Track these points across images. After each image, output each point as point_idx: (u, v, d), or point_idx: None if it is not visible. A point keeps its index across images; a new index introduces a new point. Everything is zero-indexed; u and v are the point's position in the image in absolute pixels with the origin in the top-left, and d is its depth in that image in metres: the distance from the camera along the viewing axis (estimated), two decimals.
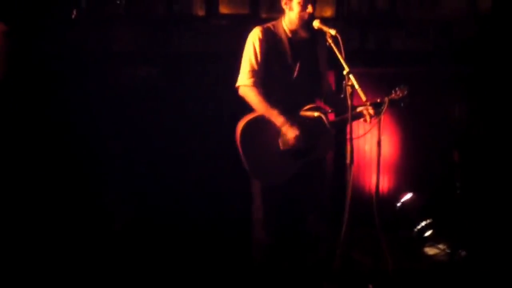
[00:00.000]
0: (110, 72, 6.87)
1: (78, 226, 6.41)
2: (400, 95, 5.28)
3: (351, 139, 4.80)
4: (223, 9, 7.53)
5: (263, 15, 7.32)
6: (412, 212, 6.89)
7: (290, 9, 5.15)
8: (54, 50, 6.65)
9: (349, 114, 4.82)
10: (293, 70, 5.21)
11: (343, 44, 4.88)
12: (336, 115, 5.33)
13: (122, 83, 6.86)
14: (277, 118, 5.08)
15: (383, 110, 5.09)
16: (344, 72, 4.79)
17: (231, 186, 6.54)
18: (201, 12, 7.48)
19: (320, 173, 5.37)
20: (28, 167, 6.34)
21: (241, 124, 5.14)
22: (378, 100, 5.18)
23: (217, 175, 6.78)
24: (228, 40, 6.94)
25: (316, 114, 5.15)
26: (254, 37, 5.20)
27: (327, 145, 5.29)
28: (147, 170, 6.75)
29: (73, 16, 6.97)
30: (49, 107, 6.51)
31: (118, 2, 7.23)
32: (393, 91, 5.30)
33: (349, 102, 4.80)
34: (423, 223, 6.73)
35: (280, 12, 5.31)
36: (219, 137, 6.45)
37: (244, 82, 5.16)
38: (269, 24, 5.29)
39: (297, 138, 5.06)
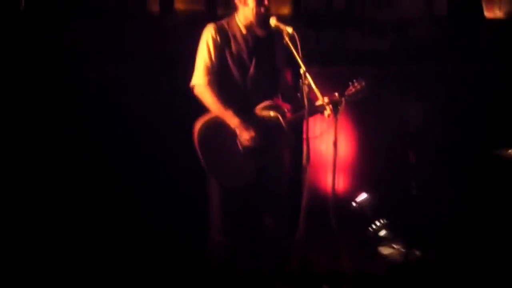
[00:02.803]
0: (61, 69, 6.76)
1: None
2: (358, 87, 5.20)
3: (308, 139, 4.75)
4: (179, 5, 7.46)
5: (220, 12, 7.27)
6: (368, 212, 6.88)
7: (245, 4, 5.06)
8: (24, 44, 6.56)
9: (305, 114, 4.77)
10: (249, 67, 5.13)
11: (300, 42, 4.82)
12: (293, 113, 5.26)
13: (75, 81, 6.74)
14: (231, 119, 5.02)
15: (340, 110, 5.02)
16: (301, 71, 4.74)
17: (185, 186, 6.44)
18: (155, 8, 7.40)
19: (278, 172, 5.30)
20: None
21: (198, 125, 5.06)
22: (336, 95, 5.10)
23: (171, 177, 6.69)
24: (183, 37, 6.83)
25: (272, 113, 5.09)
26: (207, 34, 5.10)
27: (285, 144, 5.22)
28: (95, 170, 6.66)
29: (21, 8, 6.87)
30: None
31: None
32: (350, 85, 5.22)
33: (305, 101, 4.74)
34: (378, 223, 6.72)
35: (234, 6, 5.20)
36: (174, 137, 6.38)
37: (199, 81, 5.08)
38: (223, 21, 5.19)
39: (252, 139, 5.00)
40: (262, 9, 5.02)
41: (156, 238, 6.43)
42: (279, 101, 5.28)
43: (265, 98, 5.16)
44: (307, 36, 7.17)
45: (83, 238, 6.39)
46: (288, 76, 5.46)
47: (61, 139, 6.70)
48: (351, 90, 5.21)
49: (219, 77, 5.11)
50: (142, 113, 6.77)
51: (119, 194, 6.66)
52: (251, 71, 5.13)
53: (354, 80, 5.24)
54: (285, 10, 7.56)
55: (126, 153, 6.71)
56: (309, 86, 4.73)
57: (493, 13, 7.83)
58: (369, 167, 7.27)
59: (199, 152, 5.04)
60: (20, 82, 6.63)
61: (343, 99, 5.09)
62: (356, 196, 7.01)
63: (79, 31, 7.06)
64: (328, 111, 4.93)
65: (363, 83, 5.24)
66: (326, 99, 4.95)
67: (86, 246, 6.27)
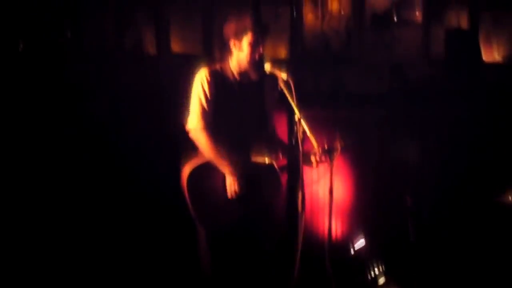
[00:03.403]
0: (59, 107, 6.77)
1: None
2: (343, 145, 5.12)
3: (303, 186, 4.70)
4: (175, 48, 7.46)
5: (216, 55, 7.25)
6: (366, 258, 6.78)
7: (240, 49, 5.03)
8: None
9: (299, 161, 4.72)
10: (241, 111, 5.09)
11: (295, 88, 4.78)
12: (288, 158, 5.21)
13: (72, 119, 6.73)
14: (224, 167, 4.98)
15: (335, 156, 4.96)
16: (296, 118, 4.69)
17: None
18: (152, 50, 7.40)
19: (265, 217, 5.23)
20: None
21: (187, 170, 5.00)
22: (326, 147, 5.02)
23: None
24: (179, 79, 6.82)
25: (267, 161, 5.04)
26: (202, 78, 5.06)
27: (275, 190, 5.14)
28: None
29: (19, 49, 6.89)
30: None
31: (67, 35, 7.14)
32: (337, 139, 5.13)
33: (300, 148, 4.69)
34: (377, 270, 6.62)
35: (228, 51, 5.16)
36: (164, 176, 6.30)
37: (195, 125, 5.04)
38: (216, 65, 5.15)
39: (239, 192, 4.95)
40: (257, 55, 4.99)
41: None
42: (272, 147, 5.22)
43: (256, 142, 5.11)
44: (304, 78, 7.14)
45: (84, 239, 6.45)
46: (282, 121, 5.41)
47: (59, 174, 6.70)
48: (344, 142, 5.11)
49: (212, 120, 5.05)
50: (136, 151, 6.74)
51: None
52: (244, 114, 5.09)
53: (340, 136, 5.14)
54: (281, 53, 7.54)
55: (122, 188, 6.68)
56: (304, 132, 4.68)
57: (491, 56, 7.78)
58: (367, 212, 7.17)
59: (187, 197, 4.98)
60: (19, 121, 6.62)
61: (338, 145, 5.01)
62: (354, 242, 6.91)
63: (77, 71, 7.05)
64: (320, 159, 4.89)
65: (348, 143, 5.13)
66: (320, 147, 4.89)
67: (87, 246, 6.36)
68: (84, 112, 6.85)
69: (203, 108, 5.03)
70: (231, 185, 4.97)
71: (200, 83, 5.06)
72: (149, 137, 6.81)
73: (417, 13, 7.74)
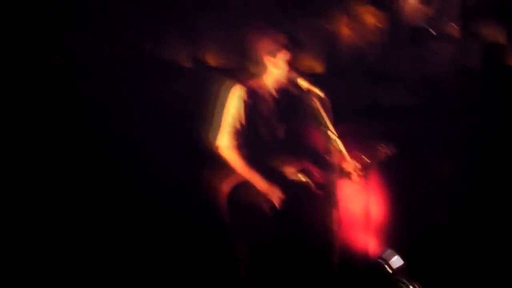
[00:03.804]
0: (93, 120, 6.76)
1: None
2: (386, 151, 5.10)
3: (338, 203, 4.67)
4: (210, 61, 7.46)
5: (251, 68, 7.24)
6: (400, 275, 6.72)
7: (275, 66, 5.00)
8: (35, 95, 6.58)
9: (334, 178, 4.69)
10: (277, 128, 5.07)
11: (331, 104, 4.75)
12: (322, 176, 5.17)
13: (106, 132, 6.76)
14: (259, 183, 4.94)
15: (370, 172, 4.94)
16: (330, 134, 4.66)
17: None
18: (187, 63, 7.40)
19: (310, 234, 5.18)
20: None
21: (225, 188, 5.00)
22: (365, 158, 5.00)
23: None
24: (214, 92, 6.82)
25: (303, 178, 5.02)
26: (236, 96, 5.03)
27: (310, 208, 5.12)
28: None
29: (54, 61, 6.93)
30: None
31: (103, 47, 7.17)
32: (379, 149, 5.11)
33: (334, 165, 4.67)
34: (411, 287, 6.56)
35: (263, 67, 5.13)
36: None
37: (225, 143, 5.01)
38: (251, 81, 5.11)
39: (280, 201, 4.91)
40: (291, 72, 4.95)
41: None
42: (307, 164, 5.19)
43: (294, 160, 5.08)
44: (339, 92, 7.10)
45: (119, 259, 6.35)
46: (318, 138, 5.37)
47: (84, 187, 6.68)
48: (380, 155, 5.09)
49: (246, 138, 5.04)
50: (171, 168, 6.73)
51: None
52: (279, 132, 5.07)
53: (383, 145, 5.12)
54: (317, 67, 7.50)
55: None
56: (339, 150, 4.66)
57: None
58: (402, 227, 7.11)
59: (223, 214, 4.99)
60: (53, 137, 6.66)
61: (372, 161, 4.99)
62: (389, 258, 6.85)
63: (111, 84, 7.08)
64: (355, 176, 4.86)
65: (392, 151, 5.11)
66: (355, 163, 4.87)
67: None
68: (117, 126, 6.85)
69: (235, 126, 5.01)
70: (272, 196, 4.95)
71: (234, 101, 5.04)
72: (183, 152, 6.78)
73: (453, 26, 7.68)
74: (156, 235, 6.61)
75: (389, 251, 6.61)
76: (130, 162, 6.72)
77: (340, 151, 4.69)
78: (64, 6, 7.18)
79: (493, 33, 7.71)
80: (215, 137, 5.09)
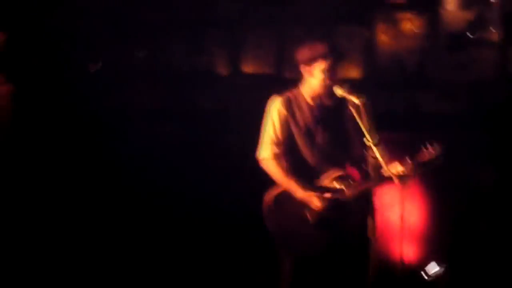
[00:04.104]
0: (131, 129, 6.77)
1: None
2: (433, 153, 4.95)
3: (374, 211, 4.61)
4: (246, 68, 7.43)
5: (287, 75, 7.21)
6: (440, 284, 6.62)
7: (311, 75, 4.94)
8: (71, 104, 6.61)
9: (371, 187, 4.63)
10: (316, 138, 5.01)
11: (368, 111, 4.68)
12: (360, 184, 5.07)
13: (143, 140, 6.73)
14: (298, 192, 4.90)
15: (409, 179, 4.82)
16: (367, 143, 4.58)
17: None
18: (224, 71, 7.38)
19: (359, 244, 5.01)
20: None
21: (266, 198, 4.98)
22: (409, 161, 4.85)
23: None
24: (251, 99, 6.79)
25: (338, 186, 4.94)
26: (274, 108, 5.02)
27: (363, 212, 4.98)
28: None
29: (91, 70, 6.95)
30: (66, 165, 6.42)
31: (138, 55, 7.18)
32: (423, 150, 4.96)
33: (371, 174, 4.60)
34: None
35: (300, 75, 5.08)
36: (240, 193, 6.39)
37: (265, 155, 5.03)
38: (289, 92, 5.08)
39: (321, 208, 4.84)
40: (328, 81, 4.89)
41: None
42: (351, 170, 5.09)
43: (335, 168, 5.01)
44: (377, 99, 7.01)
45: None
46: (355, 146, 5.29)
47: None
48: (424, 156, 4.94)
49: (286, 149, 5.02)
50: (208, 172, 6.80)
51: None
52: (319, 141, 5.02)
53: (428, 145, 4.97)
54: (355, 73, 7.44)
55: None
56: (376, 158, 4.58)
57: None
58: (442, 235, 7.01)
59: (267, 224, 4.96)
60: (89, 144, 6.81)
61: (412, 169, 4.85)
62: (428, 267, 6.75)
63: (147, 92, 7.08)
64: (393, 184, 4.76)
65: (438, 149, 4.97)
66: (397, 167, 4.76)
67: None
68: (154, 133, 6.87)
69: (273, 139, 5.01)
70: (312, 203, 4.89)
71: (271, 113, 5.04)
72: (222, 158, 6.77)
73: (493, 32, 7.56)
74: (203, 247, 6.65)
75: (427, 259, 6.56)
76: (169, 176, 6.73)
77: (377, 159, 4.58)
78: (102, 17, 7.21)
79: None
80: (257, 149, 5.09)
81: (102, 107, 6.87)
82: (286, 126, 5.00)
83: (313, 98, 5.02)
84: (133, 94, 7.14)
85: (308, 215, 4.93)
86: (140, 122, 7.00)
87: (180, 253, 6.66)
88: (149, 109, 7.12)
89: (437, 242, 6.98)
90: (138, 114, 7.04)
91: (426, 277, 6.67)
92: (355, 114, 4.70)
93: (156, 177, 6.83)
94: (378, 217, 4.71)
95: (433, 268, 6.69)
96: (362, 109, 4.70)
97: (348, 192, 4.92)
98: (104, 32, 7.13)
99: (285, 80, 7.01)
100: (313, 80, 4.94)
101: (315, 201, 4.87)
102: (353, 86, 4.89)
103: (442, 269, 6.68)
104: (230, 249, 6.72)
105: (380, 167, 4.69)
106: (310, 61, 4.90)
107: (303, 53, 4.96)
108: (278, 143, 5.00)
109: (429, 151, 4.92)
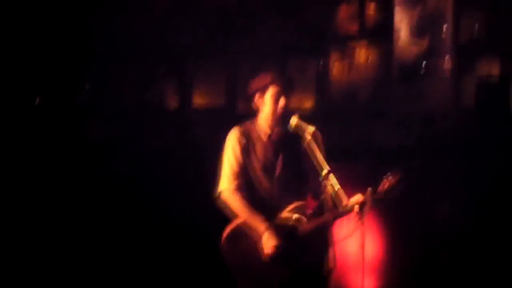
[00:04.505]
0: (80, 162, 6.73)
1: None
2: (392, 181, 4.89)
3: (333, 243, 4.49)
4: (198, 100, 7.35)
5: (240, 106, 7.14)
6: None
7: (264, 104, 4.88)
8: (17, 137, 6.46)
9: (329, 218, 4.53)
10: (275, 169, 4.92)
11: (322, 141, 4.61)
12: (316, 216, 4.97)
13: (93, 174, 6.75)
14: (258, 226, 4.79)
15: (367, 210, 4.75)
16: (323, 172, 4.49)
17: None
18: (174, 104, 7.29)
19: (318, 277, 4.84)
20: None
21: (225, 233, 4.86)
22: (368, 191, 4.79)
23: None
24: (202, 133, 6.71)
25: (294, 218, 4.84)
26: (233, 138, 4.94)
27: (322, 245, 4.88)
28: None
29: (36, 103, 6.82)
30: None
31: (86, 88, 7.07)
32: (382, 180, 4.90)
33: (329, 204, 4.49)
34: None
35: (256, 106, 5.00)
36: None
37: (226, 187, 4.90)
38: (247, 123, 5.02)
39: (275, 248, 4.74)
40: (281, 109, 4.83)
41: None
42: (311, 202, 5.01)
43: (295, 198, 4.92)
44: (331, 130, 6.98)
45: None
46: (312, 176, 5.21)
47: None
48: (385, 184, 4.88)
49: (246, 181, 4.90)
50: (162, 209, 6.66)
51: None
52: (278, 173, 4.93)
53: (389, 173, 4.91)
54: (308, 104, 7.40)
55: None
56: (333, 187, 4.49)
57: None
58: (402, 268, 6.95)
59: (225, 258, 4.83)
60: (38, 183, 6.60)
61: (369, 198, 4.79)
62: None
63: (96, 126, 6.96)
64: (351, 215, 4.69)
65: (398, 176, 4.91)
66: (357, 197, 4.69)
67: None
68: (105, 169, 6.74)
69: (234, 170, 4.90)
70: (267, 242, 4.78)
71: (231, 144, 4.95)
72: (175, 194, 6.66)
73: (447, 62, 7.59)
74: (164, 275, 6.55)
75: None
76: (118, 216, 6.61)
77: (335, 190, 4.49)
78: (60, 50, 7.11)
79: (487, 68, 7.61)
80: (216, 182, 4.97)
81: (48, 142, 6.72)
82: (245, 156, 4.92)
83: (270, 128, 4.96)
84: (80, 128, 6.99)
85: (263, 251, 4.81)
86: (87, 157, 6.83)
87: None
88: (96, 144, 6.97)
89: (397, 273, 6.93)
90: (85, 148, 6.88)
91: None
92: (311, 144, 4.62)
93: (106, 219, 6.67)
94: (338, 249, 4.58)
95: None
96: (316, 139, 4.65)
97: (308, 225, 4.83)
98: (51, 64, 6.98)
99: (237, 113, 6.93)
100: (267, 108, 4.88)
101: (272, 239, 4.76)
102: (307, 117, 4.83)
103: None
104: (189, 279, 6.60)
105: (339, 198, 4.63)
106: (262, 89, 4.86)
107: (255, 82, 4.94)
108: (239, 174, 4.89)
109: (389, 181, 4.88)
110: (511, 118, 7.51)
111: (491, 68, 7.65)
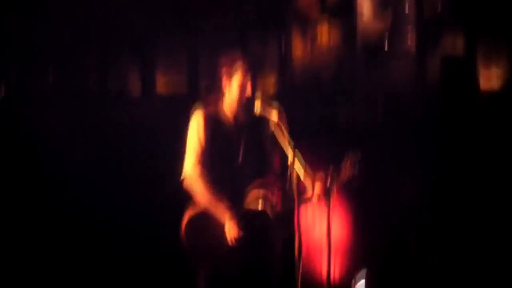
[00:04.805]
0: (37, 156, 6.67)
1: None
2: (352, 167, 4.88)
3: (299, 231, 4.45)
4: (160, 89, 7.28)
5: (202, 94, 7.09)
6: None
7: (230, 89, 4.81)
8: None
9: (295, 204, 4.47)
10: (238, 154, 4.85)
11: (287, 124, 4.56)
12: (283, 199, 4.96)
13: (48, 166, 6.63)
14: (222, 213, 4.72)
15: (333, 195, 4.73)
16: (289, 155, 4.46)
17: None
18: (136, 92, 7.21)
19: (270, 264, 4.91)
20: None
21: (186, 218, 4.75)
22: (328, 178, 4.80)
23: None
24: (165, 121, 6.65)
25: (260, 207, 4.79)
26: (196, 122, 4.80)
27: (277, 235, 4.89)
28: None
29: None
30: None
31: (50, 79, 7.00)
32: (343, 163, 4.89)
33: (295, 190, 4.45)
34: None
35: (220, 91, 4.95)
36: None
37: (190, 172, 4.78)
38: (210, 107, 4.91)
39: (239, 236, 4.70)
40: (247, 93, 4.77)
41: None
42: (274, 188, 4.96)
43: (254, 184, 4.85)
44: (294, 112, 6.95)
45: None
46: (277, 160, 5.18)
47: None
48: (345, 168, 4.88)
49: (210, 165, 4.82)
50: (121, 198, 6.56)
51: None
52: (241, 158, 4.86)
53: (349, 154, 4.90)
54: (271, 86, 7.35)
55: None
56: (299, 171, 4.46)
57: (488, 84, 7.63)
58: (368, 249, 6.94)
59: (186, 244, 4.71)
60: None
61: (335, 182, 4.78)
62: (355, 281, 6.67)
63: (56, 117, 6.88)
64: (316, 199, 4.67)
65: (358, 156, 4.91)
66: (317, 186, 4.68)
67: None
68: (67, 157, 6.66)
69: (197, 154, 4.76)
70: (229, 231, 4.72)
71: (194, 129, 4.81)
72: (136, 182, 6.59)
73: (411, 42, 7.58)
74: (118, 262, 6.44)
75: (354, 275, 6.48)
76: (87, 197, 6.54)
77: (300, 173, 4.46)
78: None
79: (452, 45, 7.61)
80: (180, 167, 4.84)
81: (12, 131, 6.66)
82: (209, 141, 4.79)
83: (233, 113, 4.88)
84: (44, 118, 6.91)
85: (226, 237, 4.78)
86: (51, 145, 6.76)
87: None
88: (59, 131, 6.89)
89: (364, 255, 6.93)
90: (49, 137, 6.80)
91: None
92: (276, 129, 4.58)
93: (70, 201, 6.59)
94: (304, 235, 4.54)
95: (359, 280, 6.63)
96: (282, 121, 4.60)
97: (271, 210, 4.80)
98: (14, 54, 6.90)
99: (200, 100, 6.88)
100: (232, 93, 4.80)
101: (236, 228, 4.72)
102: (270, 98, 4.76)
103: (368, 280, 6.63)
104: (144, 264, 6.53)
105: (305, 181, 4.61)
106: (229, 74, 4.78)
107: (221, 67, 4.84)
108: (202, 159, 4.77)
109: (349, 164, 4.87)
110: (476, 94, 7.53)
111: (455, 45, 7.64)
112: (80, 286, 6.18)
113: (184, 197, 4.82)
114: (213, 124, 4.79)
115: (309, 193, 4.70)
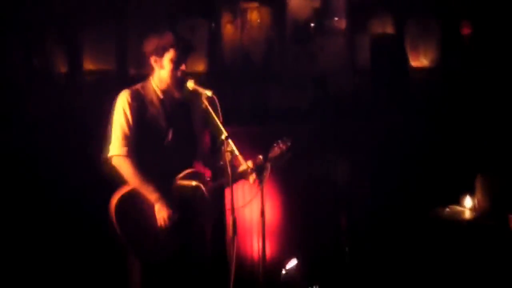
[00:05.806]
0: None
1: None
2: (283, 148, 4.99)
3: (233, 209, 4.40)
4: (88, 65, 7.11)
5: (131, 72, 6.95)
6: (298, 279, 6.55)
7: (161, 67, 4.76)
8: None
9: (229, 183, 4.44)
10: (167, 133, 4.80)
11: (219, 105, 4.49)
12: (214, 180, 4.91)
13: None
14: (151, 194, 4.67)
15: (266, 175, 4.73)
16: (222, 137, 4.43)
17: None
18: (63, 69, 7.03)
19: (202, 245, 4.97)
20: None
21: (114, 199, 4.66)
22: (260, 158, 4.91)
23: None
24: (93, 98, 6.49)
25: (194, 183, 4.73)
26: (123, 101, 4.74)
27: (209, 214, 4.88)
28: None
29: None
30: None
31: None
32: (274, 146, 4.95)
33: (228, 169, 4.42)
34: None
35: (149, 69, 4.84)
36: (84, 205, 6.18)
37: (117, 152, 4.72)
38: (138, 86, 4.86)
39: (169, 218, 4.62)
40: (179, 72, 4.73)
41: None
42: (200, 168, 4.92)
43: (185, 165, 4.86)
44: (224, 94, 6.88)
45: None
46: (207, 141, 5.11)
47: None
48: (276, 151, 4.98)
49: (137, 145, 4.75)
50: (49, 178, 6.42)
51: None
52: (169, 137, 4.81)
53: (279, 140, 4.98)
54: (200, 67, 7.27)
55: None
56: (232, 151, 4.41)
57: (419, 62, 7.71)
58: (299, 231, 6.94)
59: (116, 227, 4.63)
60: None
61: (268, 163, 4.78)
62: (286, 263, 6.66)
63: None
64: (253, 177, 4.66)
65: (289, 143, 4.97)
66: (250, 164, 4.67)
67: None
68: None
69: (125, 134, 4.72)
70: (159, 212, 4.67)
71: (121, 107, 4.75)
72: (65, 163, 6.43)
73: (340, 21, 7.57)
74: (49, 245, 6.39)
75: (288, 254, 6.49)
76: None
77: (232, 153, 4.43)
78: None
79: (380, 27, 7.64)
80: (105, 146, 4.80)
81: None
82: (136, 120, 4.75)
83: (163, 92, 4.85)
84: None
85: (156, 218, 4.71)
86: None
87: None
88: None
89: (296, 237, 6.92)
90: None
91: (283, 271, 6.59)
92: (208, 108, 4.54)
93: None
94: (238, 215, 4.50)
95: (292, 263, 6.63)
96: (213, 103, 4.59)
97: (205, 189, 4.73)
98: None
99: (128, 77, 6.75)
100: (163, 71, 4.78)
101: (166, 208, 4.66)
102: (202, 80, 4.79)
103: (299, 263, 6.63)
104: (77, 251, 6.40)
105: (237, 163, 4.59)
106: (160, 51, 4.74)
107: (152, 44, 4.81)
108: (130, 139, 4.73)
109: (280, 146, 4.95)
110: (406, 75, 7.57)
111: (384, 26, 7.67)
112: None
113: (111, 178, 4.74)
114: (141, 102, 4.78)
115: (242, 169, 4.70)
